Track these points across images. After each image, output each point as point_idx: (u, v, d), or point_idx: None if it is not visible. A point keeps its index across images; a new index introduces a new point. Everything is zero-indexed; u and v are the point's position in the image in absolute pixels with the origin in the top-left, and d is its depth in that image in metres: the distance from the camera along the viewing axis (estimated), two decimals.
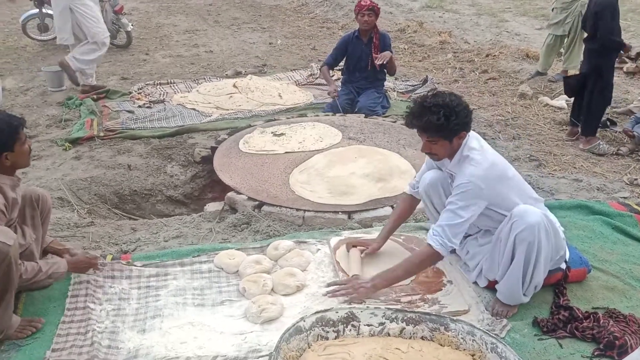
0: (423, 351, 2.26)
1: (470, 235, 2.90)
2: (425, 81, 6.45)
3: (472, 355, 2.26)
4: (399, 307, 2.56)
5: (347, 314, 2.35)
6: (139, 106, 5.65)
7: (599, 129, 5.00)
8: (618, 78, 6.29)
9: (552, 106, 5.90)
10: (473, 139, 2.62)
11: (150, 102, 5.76)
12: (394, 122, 5.09)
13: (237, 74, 6.78)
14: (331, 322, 2.33)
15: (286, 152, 4.38)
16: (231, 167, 4.14)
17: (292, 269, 2.91)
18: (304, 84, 6.47)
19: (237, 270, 2.95)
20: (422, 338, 2.35)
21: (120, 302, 2.71)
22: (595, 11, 4.64)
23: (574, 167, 4.53)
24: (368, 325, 2.36)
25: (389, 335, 2.36)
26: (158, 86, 6.32)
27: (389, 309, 2.41)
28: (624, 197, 3.88)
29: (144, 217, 4.15)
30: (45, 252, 2.88)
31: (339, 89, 5.51)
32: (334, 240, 3.17)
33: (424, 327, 2.36)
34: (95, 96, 5.87)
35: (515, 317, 2.61)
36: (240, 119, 5.34)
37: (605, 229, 3.37)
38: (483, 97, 6.23)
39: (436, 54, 8.00)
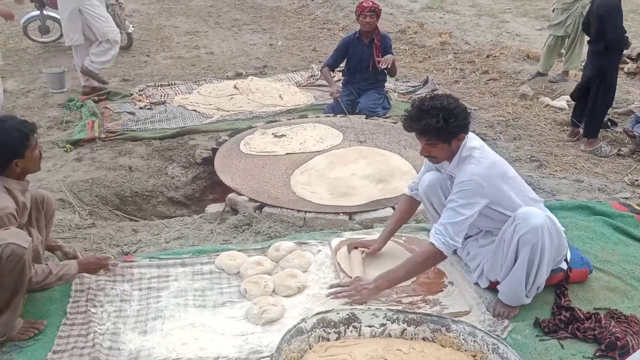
0: (424, 352, 2.26)
1: (470, 236, 2.90)
2: (425, 82, 6.45)
3: (474, 356, 2.25)
4: (400, 308, 2.56)
5: (348, 315, 2.35)
6: (140, 108, 5.66)
7: (600, 130, 4.99)
8: (619, 79, 6.26)
9: (553, 107, 5.90)
10: (472, 140, 2.62)
11: (151, 103, 5.77)
12: (395, 123, 5.09)
13: (238, 76, 6.79)
14: (332, 323, 2.32)
15: (287, 154, 4.38)
16: (232, 169, 4.14)
17: (293, 270, 2.91)
18: (305, 85, 6.47)
19: (238, 272, 2.95)
20: (424, 339, 2.35)
21: (122, 304, 2.71)
22: (600, 13, 4.61)
23: (575, 168, 4.53)
24: (369, 326, 2.36)
25: (390, 336, 2.36)
26: (159, 88, 6.33)
27: (390, 310, 2.41)
28: (625, 198, 3.88)
29: (145, 218, 4.15)
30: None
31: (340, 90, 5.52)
32: (335, 241, 3.17)
33: (425, 328, 2.36)
34: (96, 98, 5.88)
35: (517, 318, 2.61)
36: (241, 120, 5.35)
37: (606, 229, 3.37)
38: (484, 97, 6.23)
39: (437, 55, 8.00)
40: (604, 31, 4.62)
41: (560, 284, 2.74)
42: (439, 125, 2.47)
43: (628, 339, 2.40)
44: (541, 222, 2.43)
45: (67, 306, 2.65)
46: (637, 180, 4.22)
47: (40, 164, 2.64)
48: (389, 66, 5.18)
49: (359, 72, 5.39)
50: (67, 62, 7.26)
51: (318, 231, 3.42)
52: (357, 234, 3.31)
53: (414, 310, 2.49)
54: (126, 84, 6.58)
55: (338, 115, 5.24)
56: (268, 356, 2.34)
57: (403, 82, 6.62)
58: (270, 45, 8.64)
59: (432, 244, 2.54)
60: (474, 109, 5.75)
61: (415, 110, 2.56)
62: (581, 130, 4.99)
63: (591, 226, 3.38)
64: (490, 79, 6.81)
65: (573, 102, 5.28)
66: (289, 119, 5.24)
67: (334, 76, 5.73)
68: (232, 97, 5.89)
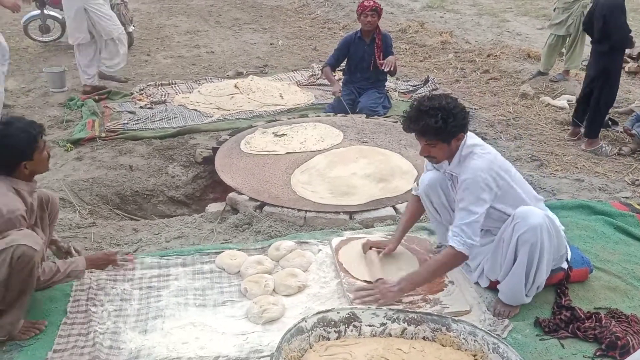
0: (425, 351, 2.26)
1: None
2: (426, 81, 6.45)
3: (474, 356, 2.25)
4: (400, 307, 2.56)
5: (348, 314, 2.35)
6: (141, 107, 5.66)
7: (601, 130, 4.99)
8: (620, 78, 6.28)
9: (553, 106, 5.89)
10: (472, 138, 2.62)
11: (151, 102, 5.77)
12: (395, 122, 5.09)
13: (239, 75, 6.79)
14: (333, 323, 2.33)
15: (287, 153, 4.38)
16: (232, 168, 4.14)
17: (293, 269, 2.91)
18: (305, 85, 6.47)
19: (239, 271, 2.95)
20: (424, 338, 2.35)
21: (122, 303, 2.71)
22: (604, 14, 4.59)
23: (576, 167, 4.53)
24: (369, 325, 2.36)
25: (390, 335, 2.36)
26: (159, 87, 6.32)
27: (390, 309, 2.41)
28: (626, 197, 3.88)
29: (145, 217, 4.15)
30: None
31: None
32: (335, 240, 3.17)
33: (425, 328, 2.36)
34: (96, 97, 5.88)
35: (517, 317, 2.61)
36: (241, 119, 5.35)
37: (607, 229, 3.37)
38: (484, 97, 6.22)
39: (437, 54, 7.99)
40: (608, 31, 4.59)
41: (560, 283, 2.74)
42: (437, 125, 2.47)
43: (628, 338, 2.40)
44: (540, 222, 2.43)
45: (68, 305, 2.65)
46: (637, 179, 4.21)
47: (48, 165, 2.64)
48: (392, 69, 5.19)
49: (360, 71, 5.39)
50: (68, 62, 7.26)
51: (318, 230, 3.42)
52: (358, 233, 3.31)
53: (415, 310, 2.49)
54: (126, 83, 6.57)
55: (338, 115, 5.23)
56: (268, 355, 2.34)
57: (404, 81, 6.62)
58: (271, 44, 8.64)
59: (452, 246, 2.53)
60: (475, 109, 5.75)
61: (413, 111, 2.56)
62: (582, 130, 4.99)
63: (592, 225, 3.38)
64: (491, 78, 6.81)
65: (575, 102, 5.28)
66: (289, 118, 5.23)
67: (335, 75, 5.72)
68: (232, 97, 5.88)
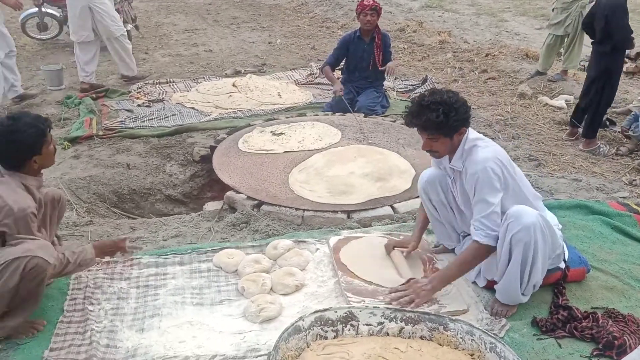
0: (422, 351, 2.26)
1: (468, 234, 2.90)
2: (424, 81, 6.45)
3: (471, 355, 2.25)
4: (398, 306, 2.56)
5: (346, 313, 2.35)
6: (138, 105, 5.64)
7: (598, 130, 4.99)
8: None
9: (551, 106, 5.90)
10: (473, 132, 2.63)
11: (149, 101, 5.75)
12: (394, 121, 5.09)
13: (237, 73, 6.78)
14: (330, 322, 2.32)
15: (285, 152, 4.37)
16: (230, 167, 4.13)
17: (291, 268, 2.91)
18: (304, 84, 6.46)
19: (236, 270, 2.95)
20: (421, 337, 2.35)
21: (119, 302, 2.70)
22: (606, 14, 4.57)
23: (574, 167, 4.53)
24: (367, 324, 2.36)
25: (387, 334, 2.36)
26: (157, 85, 6.31)
27: (388, 308, 2.41)
28: (623, 197, 3.88)
29: (143, 216, 4.14)
30: None
31: None
32: (333, 239, 3.17)
33: (423, 327, 2.36)
34: (94, 95, 5.87)
35: (514, 316, 2.61)
36: (239, 118, 5.34)
37: (604, 228, 3.37)
38: (482, 96, 6.23)
39: (436, 53, 8.00)
40: (610, 32, 4.58)
41: (558, 283, 2.74)
42: (439, 119, 2.48)
43: (625, 338, 2.40)
44: (533, 221, 2.43)
45: (65, 304, 2.64)
46: (635, 179, 4.22)
47: (54, 158, 2.64)
48: (393, 75, 5.21)
49: (359, 70, 5.39)
50: (65, 59, 7.24)
51: (316, 229, 3.42)
52: (356, 232, 3.31)
53: (412, 309, 2.48)
54: (124, 81, 6.56)
55: (337, 114, 5.23)
56: (265, 354, 2.33)
57: (402, 80, 6.62)
58: (269, 43, 8.63)
59: (477, 240, 2.53)
60: (473, 108, 5.74)
61: (415, 106, 2.56)
62: (580, 130, 4.99)
63: (589, 225, 3.38)
64: (489, 78, 6.81)
65: (572, 102, 5.28)
66: (287, 117, 5.23)
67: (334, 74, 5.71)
68: (230, 95, 5.88)
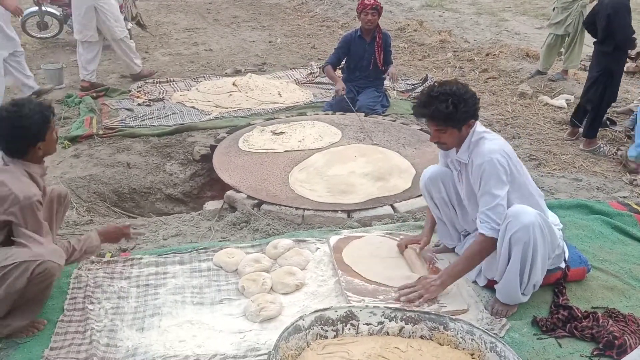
0: (422, 350, 2.26)
1: (469, 233, 2.90)
2: (425, 80, 6.45)
3: (472, 355, 2.25)
4: (398, 306, 2.56)
5: (346, 313, 2.35)
6: (139, 104, 5.64)
7: (599, 129, 4.99)
8: None
9: (552, 105, 5.90)
10: (480, 126, 2.63)
11: (149, 100, 5.75)
12: (394, 120, 5.09)
13: (237, 73, 6.78)
14: (330, 321, 2.32)
15: (286, 151, 4.37)
16: (230, 166, 4.13)
17: (291, 267, 2.91)
18: (304, 83, 6.46)
19: (236, 269, 2.94)
20: (421, 337, 2.35)
21: (119, 301, 2.70)
22: (608, 13, 4.56)
23: (574, 167, 4.53)
24: (367, 324, 2.36)
25: (388, 334, 2.36)
26: (157, 84, 6.31)
27: (388, 308, 2.41)
28: (624, 197, 3.88)
29: (143, 215, 4.14)
30: None
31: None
32: (333, 239, 3.16)
33: (423, 326, 2.36)
34: (94, 94, 5.87)
35: (515, 316, 2.61)
36: (239, 117, 5.34)
37: (604, 228, 3.37)
38: (483, 96, 6.22)
39: (436, 53, 8.00)
40: (612, 31, 4.56)
41: (558, 282, 2.74)
42: (448, 110, 2.47)
43: (626, 337, 2.40)
44: (532, 220, 2.42)
45: (65, 303, 2.64)
46: (635, 179, 4.22)
47: (56, 146, 2.63)
48: (397, 81, 5.31)
49: (359, 70, 5.38)
50: (66, 58, 7.24)
51: (316, 229, 3.42)
52: (356, 232, 3.31)
53: (412, 309, 2.48)
54: (124, 80, 6.56)
55: (337, 113, 5.22)
56: (266, 354, 2.33)
57: (402, 80, 6.61)
58: (269, 42, 8.63)
59: (482, 233, 2.53)
60: None
61: (424, 96, 2.56)
62: (581, 130, 4.98)
63: (589, 225, 3.38)
64: (490, 78, 6.81)
65: (573, 102, 5.27)
66: (287, 117, 5.23)
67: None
68: (230, 94, 5.87)
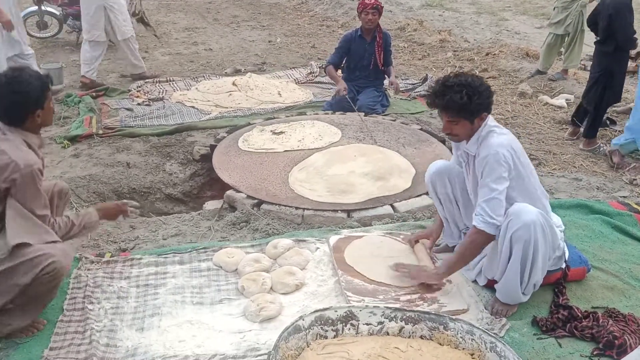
0: (422, 350, 2.26)
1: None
2: (425, 80, 6.44)
3: (472, 355, 2.25)
4: (398, 306, 2.56)
5: (346, 312, 2.35)
6: (138, 104, 5.64)
7: (599, 129, 4.99)
8: None
9: (552, 105, 5.89)
10: (492, 120, 2.62)
11: (149, 100, 5.75)
12: (394, 120, 5.09)
13: (237, 72, 6.77)
14: (330, 321, 2.32)
15: (285, 151, 4.37)
16: (230, 165, 4.13)
17: (291, 267, 2.90)
18: (304, 82, 6.46)
19: (236, 269, 2.94)
20: (421, 337, 2.35)
21: (119, 301, 2.70)
22: (610, 13, 4.54)
23: (574, 166, 4.53)
24: (367, 324, 2.36)
25: (388, 334, 2.35)
26: (157, 84, 6.30)
27: (388, 308, 2.41)
28: (624, 197, 3.88)
29: (142, 215, 4.13)
30: None
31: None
32: (333, 238, 3.16)
33: (423, 326, 2.35)
34: (94, 94, 5.86)
35: (515, 316, 2.61)
36: (239, 117, 5.33)
37: (604, 228, 3.37)
38: None
39: (436, 52, 7.99)
40: (613, 31, 4.55)
41: (558, 282, 2.74)
42: (462, 101, 2.46)
43: (626, 337, 2.40)
44: (533, 219, 2.41)
45: (64, 303, 2.64)
46: (635, 179, 4.22)
47: (52, 117, 2.61)
48: (399, 89, 5.44)
49: (359, 69, 5.38)
50: (65, 58, 7.24)
51: (316, 229, 3.42)
52: (356, 231, 3.30)
53: (412, 308, 2.48)
54: (124, 80, 6.55)
55: (337, 113, 5.22)
56: (265, 354, 2.33)
57: (402, 79, 6.60)
58: (269, 42, 8.62)
59: (474, 225, 2.53)
60: None
61: (439, 86, 2.55)
62: (582, 130, 4.98)
63: (589, 225, 3.38)
64: (490, 77, 6.80)
65: (573, 101, 5.26)
66: (287, 116, 5.22)
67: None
68: (230, 94, 5.87)
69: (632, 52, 6.86)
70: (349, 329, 2.34)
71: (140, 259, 3.01)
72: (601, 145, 4.82)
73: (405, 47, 8.25)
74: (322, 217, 3.52)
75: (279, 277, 2.83)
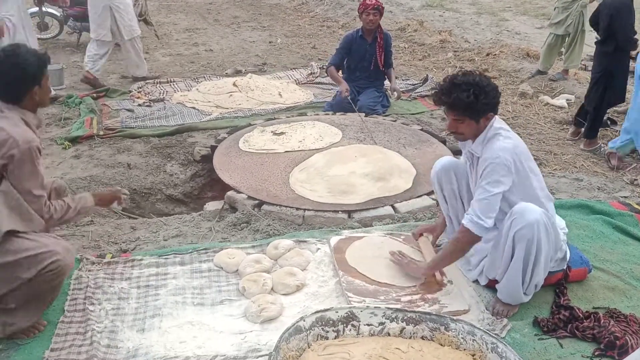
0: (423, 351, 2.26)
1: None
2: (425, 80, 6.44)
3: (473, 355, 2.25)
4: (399, 306, 2.56)
5: (347, 313, 2.35)
6: (139, 105, 5.64)
7: (599, 129, 4.98)
8: None
9: (552, 105, 5.89)
10: (499, 121, 2.62)
11: (150, 100, 5.75)
12: (394, 121, 5.08)
13: (237, 73, 6.77)
14: (331, 322, 2.32)
15: (286, 151, 4.37)
16: (231, 166, 4.13)
17: (292, 268, 2.90)
18: (304, 83, 6.46)
19: (237, 270, 2.94)
20: (422, 338, 2.34)
21: (120, 302, 2.70)
22: (610, 13, 4.54)
23: (575, 167, 4.53)
24: (368, 325, 2.35)
25: (389, 335, 2.35)
26: (158, 85, 6.31)
27: (389, 308, 2.40)
28: (625, 197, 3.87)
29: (143, 216, 4.13)
30: None
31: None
32: (334, 239, 3.16)
33: (424, 327, 2.35)
34: (94, 95, 5.87)
35: (516, 316, 2.61)
36: (240, 117, 5.33)
37: (605, 228, 3.36)
38: None
39: (436, 52, 7.99)
40: (614, 31, 4.55)
41: (559, 283, 2.74)
42: (469, 100, 2.46)
43: (627, 338, 2.40)
44: (537, 218, 2.41)
45: (65, 304, 2.64)
46: (636, 179, 4.21)
47: (49, 99, 2.60)
48: (400, 97, 5.47)
49: (360, 70, 5.38)
50: (66, 59, 7.25)
51: (317, 229, 3.42)
52: (356, 232, 3.30)
53: (413, 309, 2.48)
54: (125, 81, 6.56)
55: (337, 114, 5.22)
56: (266, 355, 2.33)
57: (402, 80, 6.61)
58: (270, 42, 8.63)
59: (462, 223, 2.55)
60: None
61: (447, 83, 2.55)
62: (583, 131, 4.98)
63: (590, 225, 3.38)
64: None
65: (574, 102, 5.25)
66: (288, 117, 5.22)
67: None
68: (231, 95, 5.87)
69: (633, 53, 6.88)
70: (350, 329, 2.34)
71: (141, 260, 3.01)
72: (602, 145, 4.82)
73: (405, 48, 8.25)
74: (323, 218, 3.52)
75: (279, 277, 2.83)
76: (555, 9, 6.57)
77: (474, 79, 2.50)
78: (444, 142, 4.58)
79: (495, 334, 2.31)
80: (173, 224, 3.58)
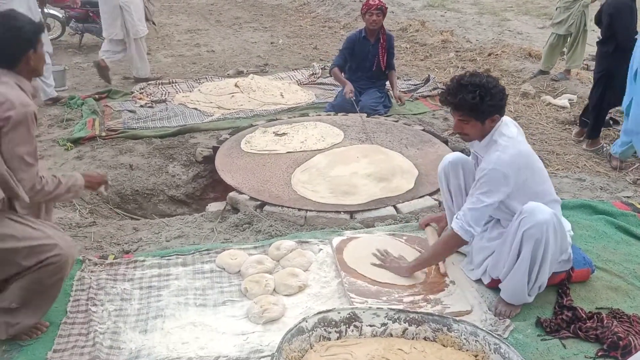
0: (426, 352, 2.25)
1: None
2: (427, 80, 6.43)
3: (475, 356, 2.25)
4: (401, 307, 2.55)
5: (349, 314, 2.34)
6: (141, 106, 5.65)
7: (602, 130, 4.97)
8: None
9: (554, 105, 5.88)
10: (507, 126, 2.60)
11: (152, 101, 5.76)
12: (396, 121, 5.08)
13: (239, 74, 6.78)
14: (333, 323, 2.32)
15: (288, 152, 4.37)
16: (233, 167, 4.13)
17: (294, 269, 2.90)
18: (306, 84, 6.46)
19: (239, 271, 2.94)
20: (425, 339, 2.34)
21: (122, 303, 2.70)
22: (610, 12, 4.54)
23: (577, 167, 4.52)
24: (370, 325, 2.35)
25: (391, 335, 2.35)
26: (160, 86, 6.32)
27: (391, 309, 2.40)
28: (628, 197, 3.86)
29: (145, 217, 4.14)
30: None
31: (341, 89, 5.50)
32: (336, 240, 3.16)
33: (426, 328, 2.35)
34: (97, 96, 5.88)
35: (518, 317, 2.60)
36: (242, 118, 5.34)
37: (608, 228, 3.35)
38: None
39: (438, 53, 7.99)
40: (614, 31, 4.54)
41: (562, 283, 2.73)
42: (474, 101, 2.46)
43: (630, 338, 2.39)
44: (547, 218, 2.40)
45: (68, 305, 2.64)
46: (639, 179, 4.20)
47: (44, 67, 2.58)
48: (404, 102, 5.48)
49: (362, 70, 5.38)
50: (68, 60, 7.26)
51: (319, 230, 3.41)
52: (358, 232, 3.30)
53: (416, 310, 2.48)
54: (127, 82, 6.57)
55: (339, 114, 5.22)
56: (269, 355, 2.33)
57: (404, 80, 6.60)
58: (272, 43, 8.63)
59: (452, 227, 2.57)
60: None
61: (454, 83, 2.55)
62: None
63: (593, 225, 3.37)
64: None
65: (576, 101, 5.24)
66: (290, 118, 5.23)
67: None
68: (233, 96, 5.88)
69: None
70: (352, 330, 2.33)
71: (143, 260, 3.02)
72: (604, 145, 4.81)
73: (407, 48, 8.25)
74: (325, 219, 3.52)
75: (282, 278, 2.83)
76: (557, 8, 6.56)
77: (481, 80, 2.50)
78: (446, 142, 4.58)
79: (498, 335, 2.30)
80: (175, 225, 3.59)
